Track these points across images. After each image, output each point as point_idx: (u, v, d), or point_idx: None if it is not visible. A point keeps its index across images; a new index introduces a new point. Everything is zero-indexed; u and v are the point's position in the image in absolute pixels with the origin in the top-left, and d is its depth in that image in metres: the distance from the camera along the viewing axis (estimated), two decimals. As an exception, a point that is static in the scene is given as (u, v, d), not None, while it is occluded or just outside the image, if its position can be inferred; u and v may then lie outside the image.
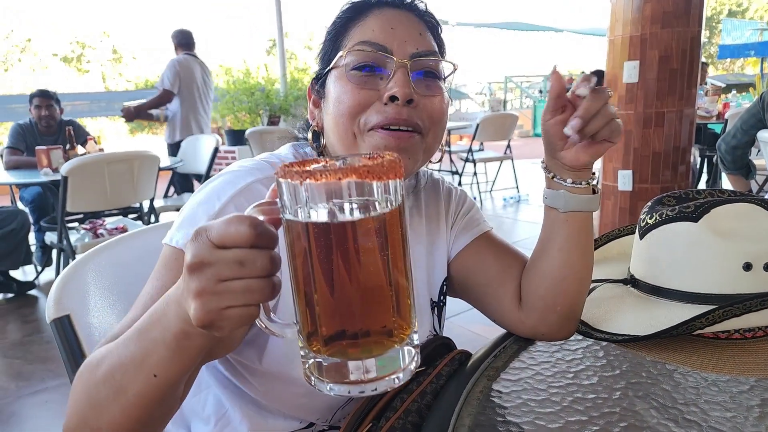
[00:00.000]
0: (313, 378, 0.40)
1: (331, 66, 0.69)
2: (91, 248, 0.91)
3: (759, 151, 2.44)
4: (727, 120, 4.04)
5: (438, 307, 0.83)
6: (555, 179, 0.69)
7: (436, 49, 0.69)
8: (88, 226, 2.88)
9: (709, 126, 4.80)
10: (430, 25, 0.71)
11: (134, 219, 3.22)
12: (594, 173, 0.69)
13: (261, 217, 0.41)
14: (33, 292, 3.39)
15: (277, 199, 0.40)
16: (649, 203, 0.87)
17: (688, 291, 0.78)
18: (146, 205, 3.21)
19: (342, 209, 0.37)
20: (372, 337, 0.39)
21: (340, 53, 0.68)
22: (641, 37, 2.99)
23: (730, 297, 0.76)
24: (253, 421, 0.73)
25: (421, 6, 0.71)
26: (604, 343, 0.78)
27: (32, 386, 2.26)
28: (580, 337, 0.80)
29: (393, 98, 0.64)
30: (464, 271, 0.83)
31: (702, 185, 4.99)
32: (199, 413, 0.76)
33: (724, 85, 6.72)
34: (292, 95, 5.89)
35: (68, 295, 0.81)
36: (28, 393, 2.21)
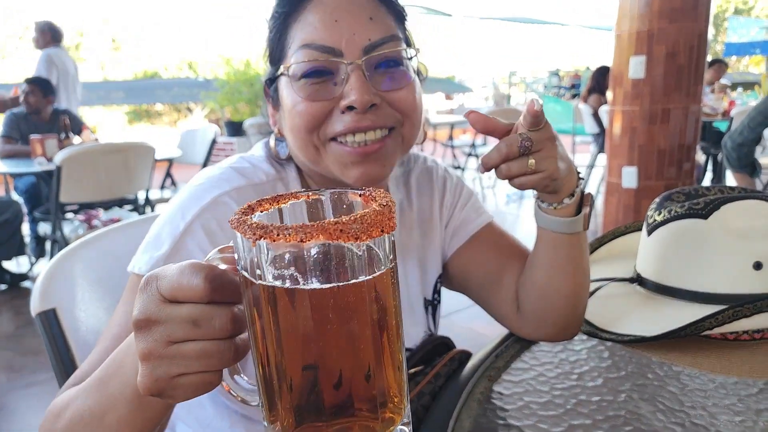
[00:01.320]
0: None
1: (278, 72, 0.62)
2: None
3: (764, 149, 2.41)
4: (732, 118, 4.01)
5: (432, 305, 0.79)
6: (535, 199, 0.66)
7: (393, 31, 0.61)
8: (82, 217, 2.85)
9: (714, 124, 4.76)
10: (389, 5, 0.62)
11: (130, 210, 3.19)
12: (571, 195, 0.62)
13: (223, 266, 0.35)
14: (26, 283, 3.36)
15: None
16: (657, 199, 0.84)
17: (696, 290, 0.75)
18: (141, 196, 3.18)
19: (305, 275, 0.29)
20: (363, 417, 0.32)
21: (288, 59, 0.60)
22: (648, 33, 2.94)
23: (739, 297, 0.73)
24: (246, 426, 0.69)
25: None
26: (609, 344, 0.75)
27: (23, 378, 2.24)
28: (585, 337, 0.77)
29: (351, 107, 0.58)
30: (463, 267, 0.78)
31: (706, 183, 4.96)
32: (184, 418, 0.72)
33: (730, 83, 6.68)
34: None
35: (55, 287, 0.79)
36: (19, 386, 2.19)
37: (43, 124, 3.70)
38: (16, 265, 3.56)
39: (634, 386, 0.65)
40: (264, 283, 0.30)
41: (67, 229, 2.75)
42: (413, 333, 0.76)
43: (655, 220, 0.81)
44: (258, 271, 0.30)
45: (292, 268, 0.30)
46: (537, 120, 0.54)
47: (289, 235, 0.28)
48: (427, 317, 0.78)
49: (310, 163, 0.63)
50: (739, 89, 7.02)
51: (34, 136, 3.19)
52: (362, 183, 0.59)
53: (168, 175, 3.73)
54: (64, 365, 0.78)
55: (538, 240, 0.67)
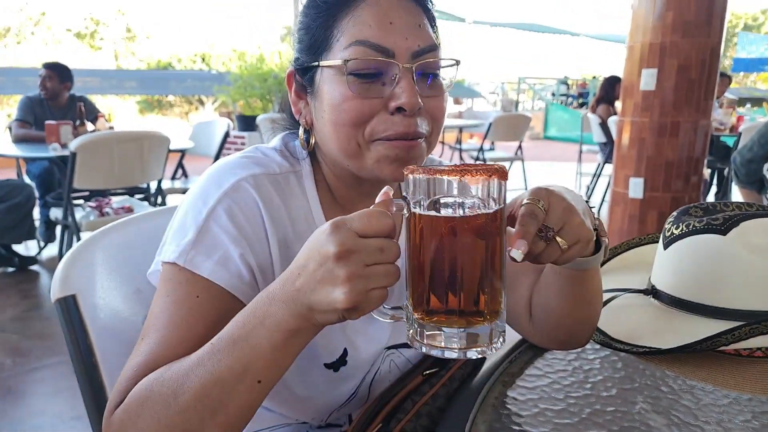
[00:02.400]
0: (416, 342, 0.48)
1: (322, 62, 0.62)
2: (96, 226, 0.89)
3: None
4: (741, 133, 4.00)
5: None
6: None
7: (436, 40, 0.63)
8: (93, 204, 2.87)
9: (721, 138, 4.75)
10: (425, 8, 0.64)
11: (140, 199, 3.20)
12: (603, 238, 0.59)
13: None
14: (34, 267, 3.39)
15: (402, 195, 0.47)
16: (674, 213, 0.85)
17: (711, 305, 0.76)
18: (153, 186, 3.20)
19: (472, 205, 0.45)
20: (467, 315, 0.46)
21: (335, 52, 0.61)
22: (661, 45, 2.95)
23: (754, 313, 0.73)
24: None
25: None
26: (623, 354, 0.76)
27: (29, 363, 2.26)
28: (598, 346, 0.78)
29: (400, 109, 0.59)
30: None
31: (711, 197, 4.95)
32: None
33: (736, 98, 6.66)
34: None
35: (75, 274, 0.79)
36: (25, 370, 2.21)
37: (59, 109, 3.72)
38: (25, 248, 3.59)
39: (648, 398, 0.66)
40: (431, 213, 0.45)
41: (78, 215, 2.77)
42: None
43: (673, 234, 0.81)
44: (432, 205, 0.45)
45: (450, 203, 0.45)
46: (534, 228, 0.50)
47: (479, 172, 0.44)
48: None
49: (346, 157, 0.63)
50: (748, 105, 7.00)
51: (49, 122, 3.20)
52: (395, 179, 0.62)
53: (180, 165, 3.75)
54: (82, 352, 0.78)
55: (555, 274, 0.65)
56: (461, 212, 0.45)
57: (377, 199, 0.47)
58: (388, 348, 0.73)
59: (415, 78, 0.59)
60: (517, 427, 0.60)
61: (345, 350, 0.69)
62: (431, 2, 0.65)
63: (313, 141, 0.67)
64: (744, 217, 0.76)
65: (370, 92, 0.60)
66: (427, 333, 0.47)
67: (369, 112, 0.60)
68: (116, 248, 0.86)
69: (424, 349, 0.47)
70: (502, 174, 0.45)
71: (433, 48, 0.62)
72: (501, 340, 0.48)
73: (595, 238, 0.57)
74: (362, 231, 0.44)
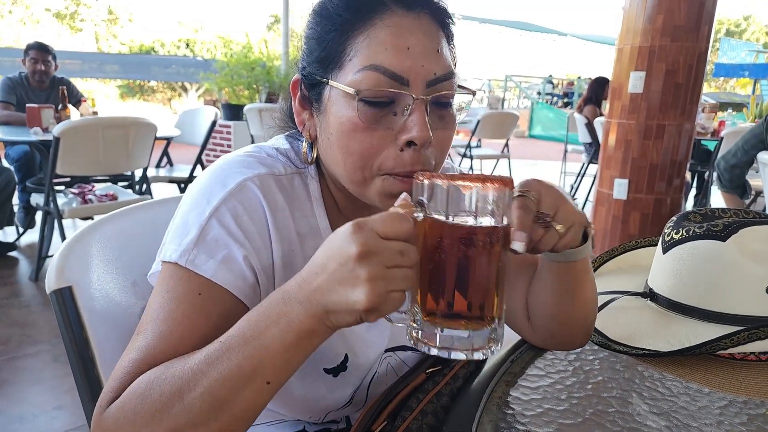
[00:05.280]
0: (421, 343, 0.49)
1: (332, 82, 0.58)
2: (79, 213, 0.88)
3: (758, 171, 2.47)
4: (722, 138, 4.09)
5: None
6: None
7: (453, 67, 0.59)
8: (76, 191, 2.80)
9: (702, 142, 4.86)
10: (446, 28, 0.60)
11: (124, 187, 3.14)
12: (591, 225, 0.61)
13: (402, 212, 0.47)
14: (13, 253, 3.30)
15: (419, 200, 0.47)
16: (674, 218, 0.86)
17: (709, 309, 0.78)
18: (138, 173, 3.14)
19: (486, 214, 0.47)
20: (473, 318, 0.48)
21: (346, 71, 0.57)
22: (650, 49, 2.99)
23: (751, 319, 0.75)
24: None
25: (440, 3, 0.59)
26: (622, 356, 0.77)
27: (8, 352, 2.20)
28: (597, 347, 0.79)
29: (410, 142, 0.56)
30: None
31: (691, 200, 5.06)
32: None
33: (719, 103, 6.81)
34: (294, 74, 5.79)
35: (71, 266, 0.77)
36: (4, 359, 2.15)
37: (41, 91, 3.61)
38: (2, 234, 3.49)
39: (648, 400, 0.67)
40: (447, 220, 0.46)
41: (59, 201, 2.70)
42: None
43: (672, 238, 0.83)
44: (445, 213, 0.46)
45: (465, 211, 0.46)
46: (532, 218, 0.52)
47: (493, 182, 0.46)
48: None
49: (349, 183, 0.61)
50: (729, 110, 7.16)
51: (30, 105, 3.11)
52: None
53: (165, 153, 3.68)
54: (78, 344, 0.77)
55: (547, 271, 0.66)
56: (476, 221, 0.46)
57: (396, 203, 0.48)
58: (386, 351, 0.74)
59: (427, 109, 0.56)
60: (522, 427, 0.61)
61: (346, 356, 0.69)
62: (452, 19, 0.61)
63: (314, 154, 0.65)
64: (743, 224, 0.78)
65: (380, 123, 0.57)
66: (435, 335, 0.48)
67: (378, 145, 0.57)
68: (112, 239, 0.85)
69: (433, 351, 0.48)
70: (512, 185, 0.48)
71: (449, 76, 0.58)
72: (500, 342, 0.50)
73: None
74: (384, 233, 0.44)
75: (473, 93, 0.62)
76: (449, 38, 0.61)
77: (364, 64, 0.56)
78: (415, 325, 0.49)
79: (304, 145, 0.65)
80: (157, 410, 0.48)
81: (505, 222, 0.48)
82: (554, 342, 0.74)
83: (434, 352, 0.48)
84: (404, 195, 0.49)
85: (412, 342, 0.49)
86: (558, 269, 0.64)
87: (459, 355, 0.48)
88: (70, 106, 3.23)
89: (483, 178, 0.46)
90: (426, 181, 0.47)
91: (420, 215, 0.47)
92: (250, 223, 0.59)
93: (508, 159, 5.69)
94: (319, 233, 0.65)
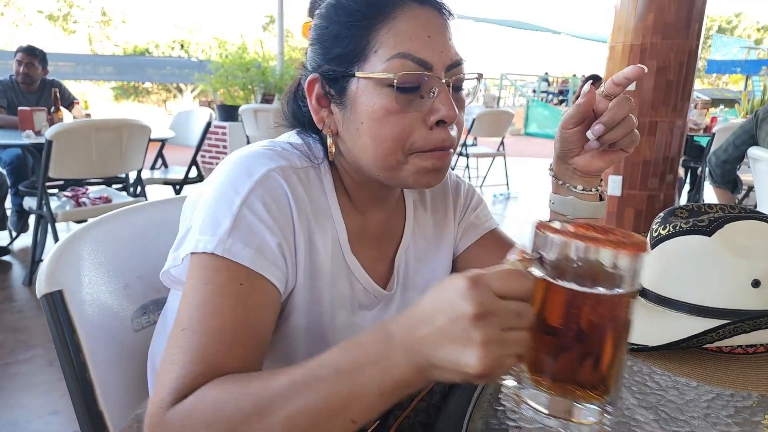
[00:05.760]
0: (522, 404, 0.46)
1: (359, 73, 0.61)
2: (72, 216, 0.88)
3: (749, 166, 2.50)
4: (714, 134, 4.12)
5: None
6: (564, 186, 0.69)
7: (461, 56, 0.65)
8: (69, 194, 2.79)
9: (695, 138, 4.89)
10: (449, 22, 0.65)
11: (118, 189, 3.13)
12: (601, 180, 0.69)
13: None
14: (6, 258, 3.28)
15: (538, 255, 0.44)
16: (661, 214, 0.87)
17: (696, 303, 0.79)
18: (132, 176, 3.13)
19: (616, 280, 0.42)
20: (586, 386, 0.45)
21: (372, 63, 0.60)
22: (641, 47, 3.01)
23: (737, 312, 0.76)
24: None
25: (446, 2, 0.65)
26: (611, 352, 0.78)
27: (2, 357, 2.19)
28: (587, 343, 0.80)
29: (440, 122, 0.61)
30: (470, 266, 0.81)
31: (684, 195, 5.09)
32: None
33: (711, 100, 6.85)
34: (289, 74, 5.79)
35: (62, 269, 0.77)
36: (-2, 363, 2.15)
37: (31, 94, 3.60)
38: (-5, 238, 3.47)
39: (636, 394, 0.68)
40: (562, 284, 0.42)
41: (53, 204, 2.69)
42: None
43: (660, 234, 0.83)
44: (564, 273, 0.42)
45: (590, 273, 0.41)
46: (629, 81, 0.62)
47: (624, 245, 0.40)
48: None
49: (380, 169, 0.63)
50: (721, 106, 7.21)
51: (22, 108, 3.10)
52: (428, 186, 0.65)
53: (160, 155, 3.68)
54: (69, 348, 0.77)
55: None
56: (603, 289, 0.42)
57: (510, 256, 0.45)
58: None
59: (450, 91, 0.61)
60: (512, 423, 0.61)
61: None
62: (452, 14, 0.66)
63: (333, 149, 0.67)
64: (728, 219, 0.79)
65: (410, 106, 0.61)
66: (543, 399, 0.45)
67: (410, 126, 0.61)
68: (103, 242, 0.85)
69: (539, 417, 0.45)
70: (645, 248, 0.43)
71: (461, 62, 0.64)
72: (615, 409, 0.47)
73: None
74: (501, 291, 0.42)
75: (480, 76, 0.67)
76: (451, 30, 0.66)
77: (392, 53, 0.60)
78: (519, 383, 0.46)
79: (330, 141, 0.67)
80: (232, 426, 0.46)
81: (635, 288, 0.43)
82: None
83: (540, 417, 0.45)
84: (519, 246, 0.46)
85: (513, 400, 0.47)
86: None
87: (568, 425, 0.45)
88: (62, 108, 3.22)
89: (616, 242, 0.41)
90: (550, 235, 0.43)
91: (539, 273, 0.44)
92: (278, 212, 0.60)
93: (504, 157, 5.71)
94: (333, 224, 0.68)
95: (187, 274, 0.58)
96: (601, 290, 0.42)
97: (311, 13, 0.68)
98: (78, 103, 3.54)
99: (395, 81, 0.59)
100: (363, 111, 0.62)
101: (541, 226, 0.44)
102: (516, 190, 5.98)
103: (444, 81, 0.61)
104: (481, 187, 6.02)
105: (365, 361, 0.45)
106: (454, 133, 0.64)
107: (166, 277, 0.65)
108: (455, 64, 0.62)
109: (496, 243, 0.82)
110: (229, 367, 0.52)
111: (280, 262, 0.59)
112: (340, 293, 0.68)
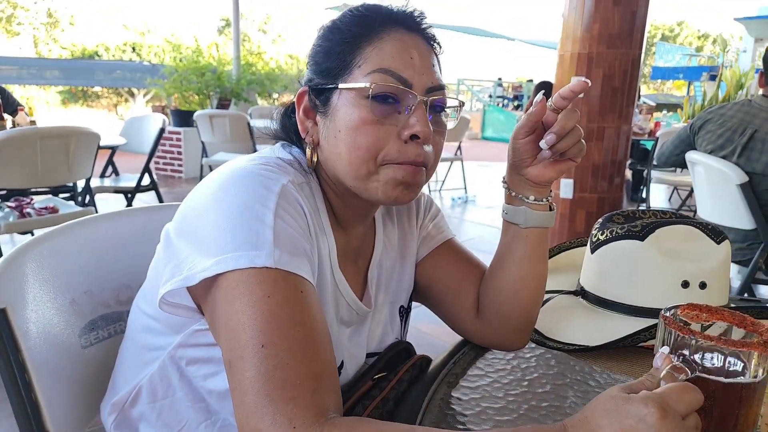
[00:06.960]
0: None
1: (342, 85, 0.65)
2: (16, 228, 0.85)
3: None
4: (658, 138, 4.34)
5: (406, 312, 0.85)
6: (517, 196, 0.72)
7: (444, 83, 0.69)
8: (13, 204, 2.66)
9: (641, 142, 5.15)
10: (437, 52, 0.70)
11: (66, 199, 3.01)
12: (551, 191, 0.73)
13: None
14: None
15: (689, 359, 0.48)
16: (600, 220, 0.92)
17: (632, 304, 0.84)
18: (81, 184, 3.01)
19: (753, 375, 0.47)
20: None
21: (355, 76, 0.64)
22: (588, 56, 3.15)
23: (668, 312, 0.82)
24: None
25: (431, 32, 0.69)
26: (556, 352, 0.82)
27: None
28: (534, 345, 0.84)
29: (413, 137, 0.64)
30: (426, 277, 0.84)
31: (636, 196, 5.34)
32: (152, 420, 0.72)
33: (655, 105, 7.21)
34: (245, 79, 5.70)
35: (5, 287, 0.75)
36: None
37: (-29, 100, 3.41)
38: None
39: (578, 393, 0.72)
40: (718, 379, 0.47)
41: (-6, 216, 2.56)
42: (388, 340, 0.80)
43: (598, 239, 0.89)
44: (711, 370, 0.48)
45: (733, 367, 0.47)
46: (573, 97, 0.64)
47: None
48: (402, 324, 0.83)
49: (353, 179, 0.65)
50: (664, 111, 7.60)
51: (-41, 115, 2.93)
52: (398, 203, 0.67)
53: (110, 163, 3.55)
54: (14, 368, 0.74)
55: (517, 239, 0.74)
56: (742, 377, 0.47)
57: (661, 363, 0.48)
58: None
59: (427, 110, 0.64)
60: (461, 426, 0.64)
61: (342, 362, 0.72)
62: (439, 45, 0.70)
63: (315, 159, 0.69)
64: (659, 225, 0.85)
65: (387, 119, 0.64)
66: None
67: (385, 138, 0.63)
68: (48, 258, 0.82)
69: None
70: None
71: (443, 88, 0.67)
72: None
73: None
74: (685, 413, 0.44)
75: (462, 104, 0.71)
76: (438, 60, 0.70)
77: (374, 67, 0.63)
78: None
79: (309, 151, 0.69)
80: None
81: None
82: (501, 334, 0.79)
83: None
84: (665, 351, 0.50)
85: None
86: (534, 236, 0.73)
87: None
88: (6, 115, 3.07)
89: (758, 345, 0.46)
90: (699, 342, 0.47)
91: (691, 374, 0.47)
92: (301, 222, 0.62)
93: (461, 161, 5.82)
94: (327, 239, 0.69)
95: (221, 294, 0.55)
96: (742, 379, 0.47)
97: None
98: (23, 109, 3.38)
99: (371, 91, 0.62)
100: (341, 120, 0.65)
101: (685, 331, 0.48)
102: (473, 193, 6.11)
103: (422, 99, 0.64)
104: (439, 191, 6.12)
105: None
106: (428, 150, 0.66)
107: (163, 304, 0.61)
108: (436, 88, 0.66)
109: (451, 254, 0.84)
110: (327, 376, 0.54)
111: (315, 268, 0.62)
112: (327, 308, 0.70)
